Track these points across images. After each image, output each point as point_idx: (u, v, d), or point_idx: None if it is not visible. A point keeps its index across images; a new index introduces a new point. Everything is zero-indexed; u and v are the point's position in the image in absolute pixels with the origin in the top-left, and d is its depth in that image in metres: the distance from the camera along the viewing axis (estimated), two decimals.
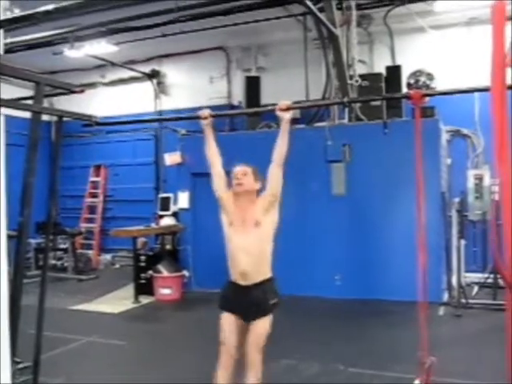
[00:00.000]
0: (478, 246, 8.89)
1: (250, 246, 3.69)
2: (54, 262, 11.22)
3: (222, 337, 3.74)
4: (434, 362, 3.41)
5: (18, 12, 4.66)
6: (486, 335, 6.26)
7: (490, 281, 7.92)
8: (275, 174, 3.72)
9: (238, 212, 3.78)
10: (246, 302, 3.70)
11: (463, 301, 7.46)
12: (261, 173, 3.85)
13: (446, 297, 7.85)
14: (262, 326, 3.68)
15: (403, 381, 4.56)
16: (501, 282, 7.34)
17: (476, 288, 8.23)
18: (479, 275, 8.33)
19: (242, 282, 3.72)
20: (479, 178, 8.47)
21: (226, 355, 3.70)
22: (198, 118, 3.95)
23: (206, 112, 3.93)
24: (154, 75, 12.05)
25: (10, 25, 4.22)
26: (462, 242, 7.70)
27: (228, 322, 3.75)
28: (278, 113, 3.70)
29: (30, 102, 3.68)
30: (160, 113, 11.89)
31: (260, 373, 3.63)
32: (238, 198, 3.81)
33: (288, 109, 3.71)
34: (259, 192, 3.84)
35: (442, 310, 7.38)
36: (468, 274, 8.20)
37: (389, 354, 5.67)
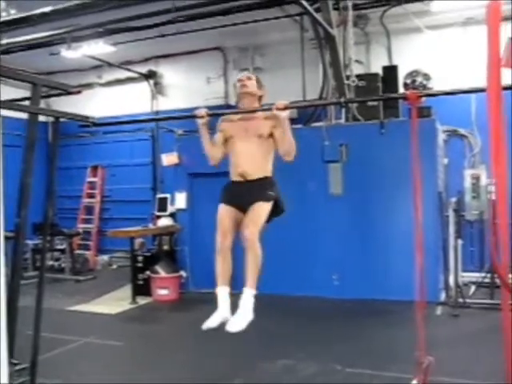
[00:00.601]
0: (475, 245, 8.90)
1: (252, 151, 3.78)
2: (51, 262, 11.20)
3: (218, 223, 3.75)
4: (431, 362, 3.42)
5: (14, 13, 4.66)
6: (483, 335, 6.26)
7: (487, 280, 7.93)
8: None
9: (239, 125, 3.87)
10: (245, 192, 3.75)
11: (460, 300, 7.47)
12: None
13: (443, 296, 7.86)
14: (260, 207, 3.70)
15: (401, 380, 4.57)
16: (498, 281, 7.35)
17: (473, 287, 8.24)
18: (476, 275, 8.33)
19: (242, 179, 3.80)
20: (476, 178, 8.47)
21: (221, 238, 3.69)
22: (195, 117, 3.95)
23: (203, 111, 3.93)
24: (150, 76, 12.03)
25: (7, 27, 4.23)
26: (459, 241, 7.71)
27: (225, 209, 3.79)
28: (275, 112, 3.71)
29: (26, 102, 3.68)
30: (157, 113, 11.87)
31: (259, 252, 3.57)
32: (240, 105, 3.95)
33: (285, 108, 3.72)
34: (261, 99, 3.96)
35: (439, 310, 7.39)
36: (465, 274, 8.21)
37: (386, 353, 5.68)
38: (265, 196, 3.74)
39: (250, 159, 3.78)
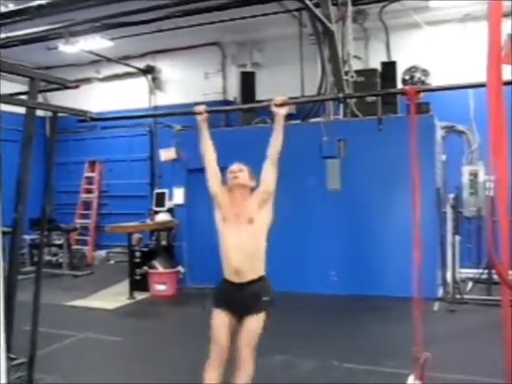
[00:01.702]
0: (473, 241, 8.91)
1: (243, 242, 3.67)
2: (48, 258, 11.20)
3: (213, 335, 3.71)
4: (428, 358, 3.42)
5: (12, 7, 4.65)
6: (480, 330, 6.29)
7: (484, 276, 7.95)
8: (270, 169, 3.71)
9: (231, 208, 3.77)
10: (239, 298, 3.68)
11: (458, 296, 7.48)
12: (255, 173, 3.86)
13: (440, 292, 7.87)
14: (254, 324, 3.65)
15: (397, 376, 4.57)
16: (495, 277, 7.37)
17: (470, 284, 8.26)
18: (474, 271, 8.35)
19: (236, 280, 3.70)
20: (474, 174, 8.48)
21: (215, 354, 3.66)
22: (193, 113, 3.93)
23: (201, 107, 3.91)
24: (148, 71, 12.01)
25: (5, 19, 4.22)
26: (457, 237, 7.72)
27: (219, 319, 3.72)
28: (273, 108, 3.69)
29: (24, 97, 3.67)
30: (155, 108, 11.86)
31: (251, 372, 3.58)
32: (232, 194, 3.80)
33: (283, 104, 3.70)
34: (253, 190, 3.84)
35: (436, 306, 7.40)
36: (462, 270, 8.22)
37: (383, 349, 5.69)
38: (259, 305, 3.67)
39: (243, 253, 3.67)
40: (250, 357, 3.60)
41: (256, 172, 3.87)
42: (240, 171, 3.80)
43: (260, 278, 3.75)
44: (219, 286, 3.85)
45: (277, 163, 3.72)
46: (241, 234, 3.69)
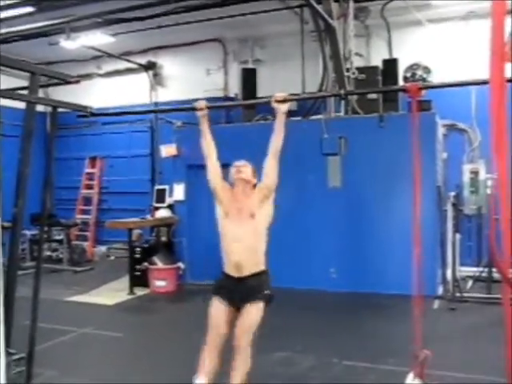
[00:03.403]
0: (473, 240, 8.90)
1: (245, 236, 3.69)
2: (49, 253, 11.22)
3: (210, 321, 3.71)
4: (427, 355, 3.42)
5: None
6: (480, 329, 6.28)
7: (484, 275, 7.94)
8: (271, 166, 3.72)
9: (233, 203, 3.79)
10: (239, 290, 3.69)
11: (458, 294, 7.48)
12: (257, 171, 3.89)
13: (440, 290, 7.87)
14: (253, 312, 3.65)
15: (397, 374, 4.56)
16: (495, 275, 7.37)
17: (470, 282, 8.25)
18: (474, 269, 8.34)
19: (236, 274, 3.71)
20: (475, 173, 8.47)
21: (212, 340, 3.67)
22: (194, 109, 3.93)
23: (202, 103, 3.91)
24: (150, 67, 11.98)
25: (5, 10, 4.20)
26: (457, 235, 7.71)
27: (218, 306, 3.74)
28: (274, 104, 3.68)
29: (25, 92, 3.66)
30: (156, 105, 11.84)
31: (249, 360, 3.58)
32: (234, 190, 3.82)
33: (284, 101, 3.69)
34: (254, 187, 3.85)
35: (436, 304, 7.40)
36: (463, 268, 8.21)
37: (383, 347, 5.69)
38: (259, 297, 3.68)
39: (244, 248, 3.69)
40: (248, 346, 3.59)
41: (257, 169, 3.88)
42: (244, 167, 3.84)
43: (260, 272, 3.77)
44: (219, 279, 3.87)
45: (278, 159, 3.73)
46: (242, 229, 3.71)
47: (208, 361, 3.64)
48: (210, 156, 3.89)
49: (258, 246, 3.77)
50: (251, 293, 3.68)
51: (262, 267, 3.79)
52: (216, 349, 3.65)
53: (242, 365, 3.56)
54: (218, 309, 3.73)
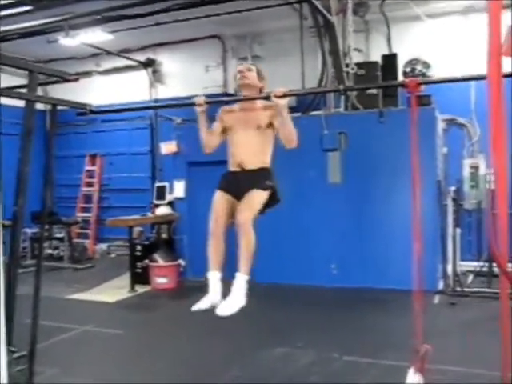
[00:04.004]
0: (473, 234, 8.90)
1: (250, 139, 3.73)
2: (49, 251, 11.23)
3: (213, 210, 3.68)
4: (428, 350, 3.42)
5: None
6: (480, 323, 6.29)
7: (484, 269, 7.96)
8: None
9: (240, 115, 3.82)
10: (242, 181, 3.70)
11: (458, 289, 7.49)
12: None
13: (441, 285, 7.88)
14: (255, 194, 3.64)
15: (397, 368, 4.57)
16: (496, 270, 7.37)
17: (471, 276, 8.26)
18: (474, 264, 8.35)
19: (239, 169, 3.76)
20: (475, 167, 8.46)
21: (215, 223, 3.63)
22: (193, 104, 3.92)
23: (201, 99, 3.89)
24: (149, 64, 11.98)
25: (2, 8, 4.19)
26: (458, 230, 7.72)
27: (221, 197, 3.72)
28: (274, 99, 3.67)
29: (23, 90, 3.66)
30: (155, 102, 11.84)
31: (253, 239, 3.49)
32: (237, 110, 3.85)
33: (283, 96, 3.68)
34: (261, 92, 3.87)
35: (437, 299, 7.42)
36: (463, 263, 8.22)
37: (383, 342, 5.70)
38: (261, 185, 3.68)
39: (249, 150, 3.74)
40: (250, 221, 3.53)
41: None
42: (249, 70, 3.83)
43: (264, 168, 3.79)
44: (223, 175, 3.87)
45: (290, 144, 3.70)
46: (247, 134, 3.75)
47: (215, 254, 3.62)
48: (208, 142, 3.87)
49: (263, 148, 3.80)
50: (253, 182, 3.68)
51: (266, 165, 3.81)
52: (220, 238, 3.62)
53: (246, 245, 3.49)
54: (220, 200, 3.72)
